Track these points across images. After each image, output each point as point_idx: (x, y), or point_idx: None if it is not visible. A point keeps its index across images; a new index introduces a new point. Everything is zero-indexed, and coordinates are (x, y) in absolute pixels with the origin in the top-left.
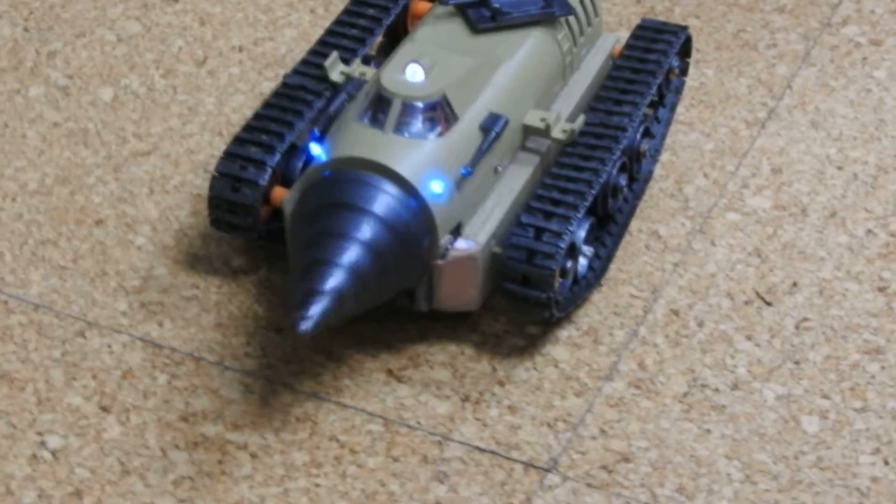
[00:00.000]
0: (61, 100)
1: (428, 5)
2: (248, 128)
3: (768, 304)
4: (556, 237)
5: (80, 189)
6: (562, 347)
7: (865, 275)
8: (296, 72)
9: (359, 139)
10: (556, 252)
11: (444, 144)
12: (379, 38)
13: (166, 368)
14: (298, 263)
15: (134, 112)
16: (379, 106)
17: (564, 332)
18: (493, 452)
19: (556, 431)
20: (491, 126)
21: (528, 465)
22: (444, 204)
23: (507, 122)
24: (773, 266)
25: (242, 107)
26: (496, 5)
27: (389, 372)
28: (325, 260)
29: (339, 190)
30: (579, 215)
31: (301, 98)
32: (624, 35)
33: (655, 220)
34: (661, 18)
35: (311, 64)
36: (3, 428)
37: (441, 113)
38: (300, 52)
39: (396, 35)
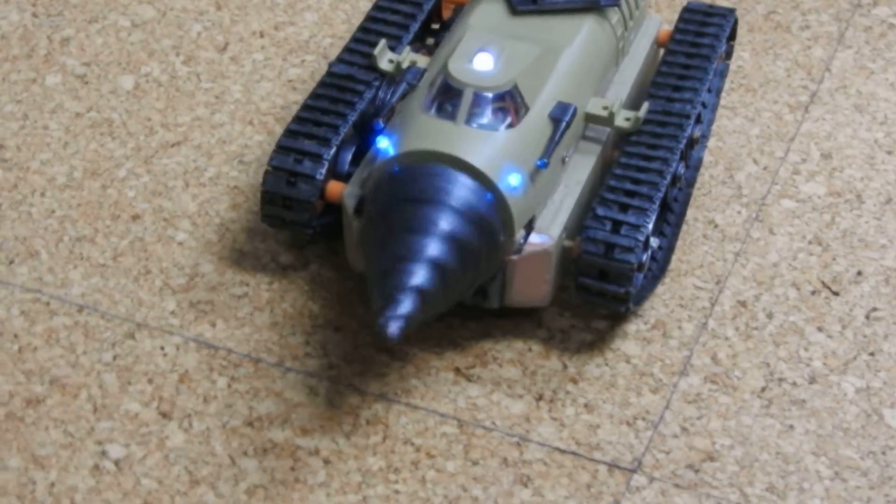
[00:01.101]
0: (80, 89)
1: None
2: (299, 119)
3: (835, 293)
4: (635, 230)
5: (111, 182)
6: (632, 342)
7: None
8: (341, 60)
9: (429, 131)
10: (636, 245)
11: (517, 135)
12: (420, 23)
13: (225, 371)
14: (377, 262)
15: (158, 101)
16: (447, 96)
17: (633, 327)
18: (574, 454)
19: (636, 430)
20: (561, 116)
21: (613, 466)
22: (520, 197)
23: (575, 111)
24: (835, 254)
25: (271, 94)
26: None
27: (457, 371)
28: (406, 257)
29: (414, 185)
30: (655, 206)
31: (350, 88)
32: (662, 16)
33: (710, 208)
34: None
35: (356, 52)
36: (60, 437)
37: (512, 103)
38: (323, 36)
39: (428, 22)
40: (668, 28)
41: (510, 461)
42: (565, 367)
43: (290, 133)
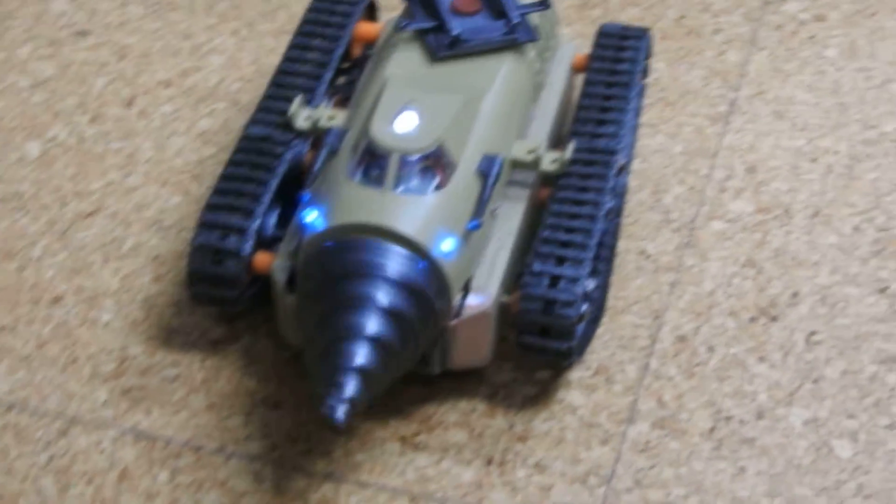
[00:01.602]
0: None
1: (370, 27)
2: (218, 191)
3: (774, 319)
4: (573, 283)
5: (27, 263)
6: (576, 391)
7: (863, 276)
8: (256, 121)
9: (357, 201)
10: (575, 299)
11: (446, 196)
12: (333, 72)
13: (165, 463)
14: (316, 343)
15: (67, 167)
16: (372, 161)
17: (575, 374)
18: None
19: (589, 488)
20: (488, 170)
21: None
22: (455, 261)
23: (502, 164)
24: (769, 276)
25: (183, 150)
26: (455, 32)
27: (403, 440)
28: (346, 337)
29: (347, 260)
30: (590, 255)
31: (269, 151)
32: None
33: (640, 237)
34: (600, 9)
35: (271, 111)
36: None
37: (439, 162)
38: (231, 81)
39: (339, 68)
40: (581, 52)
41: None
42: (512, 425)
43: (211, 207)
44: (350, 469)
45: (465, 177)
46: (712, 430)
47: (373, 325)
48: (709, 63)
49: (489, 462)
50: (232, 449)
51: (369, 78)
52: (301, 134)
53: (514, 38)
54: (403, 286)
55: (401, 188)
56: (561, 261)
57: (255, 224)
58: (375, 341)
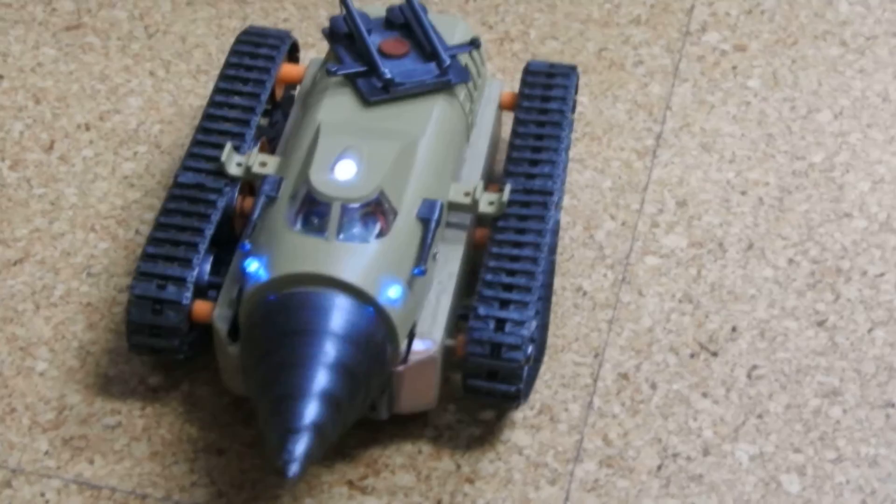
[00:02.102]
0: None
1: (293, 68)
2: (154, 241)
3: (714, 354)
4: (519, 326)
5: None
6: (521, 431)
7: (800, 310)
8: (187, 168)
9: (299, 250)
10: (522, 342)
11: (389, 243)
12: (259, 116)
13: None
14: (264, 399)
15: None
16: (312, 209)
17: (519, 415)
18: None
19: None
20: (429, 215)
21: None
22: (401, 308)
23: (442, 208)
24: (707, 311)
25: (108, 195)
26: (388, 76)
27: (350, 483)
28: (295, 394)
29: (293, 314)
30: (535, 297)
31: (202, 199)
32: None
33: (576, 274)
34: (519, 43)
35: (200, 157)
36: None
37: (380, 209)
38: (151, 123)
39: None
40: (508, 90)
41: None
42: (458, 466)
43: (148, 257)
44: None
45: (406, 223)
46: (660, 467)
47: (321, 380)
48: (632, 96)
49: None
50: (177, 497)
51: (299, 123)
52: (233, 180)
53: (448, 80)
54: (351, 338)
55: (342, 236)
56: (505, 304)
57: (193, 273)
58: (325, 397)
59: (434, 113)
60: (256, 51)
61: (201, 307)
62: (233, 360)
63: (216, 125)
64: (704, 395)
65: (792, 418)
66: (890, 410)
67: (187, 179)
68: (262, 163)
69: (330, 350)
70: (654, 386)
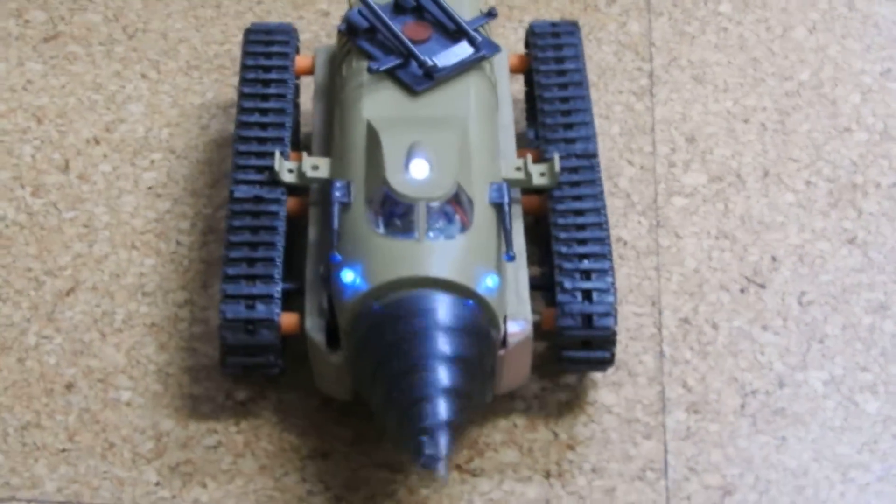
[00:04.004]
0: None
1: (304, 60)
2: (231, 261)
3: (762, 286)
4: (605, 294)
5: (25, 354)
6: (604, 390)
7: (829, 230)
8: (239, 181)
9: (392, 255)
10: (611, 309)
11: (474, 235)
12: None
13: None
14: (392, 405)
15: (28, 245)
16: (394, 211)
17: (598, 374)
18: None
19: (649, 483)
20: (501, 199)
21: None
22: (497, 294)
23: (508, 188)
24: (744, 244)
25: (138, 209)
26: (430, 62)
27: (459, 468)
28: (425, 395)
29: (402, 320)
30: (611, 262)
31: (264, 211)
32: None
33: (612, 224)
34: None
35: (249, 168)
36: None
37: (459, 204)
38: (159, 128)
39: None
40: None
41: None
42: (556, 434)
43: (230, 278)
44: None
45: (482, 211)
46: (743, 406)
47: (445, 378)
48: (615, 37)
49: (548, 475)
50: None
51: (339, 121)
52: (288, 187)
53: (483, 56)
54: (462, 332)
55: (431, 234)
56: (586, 274)
57: (278, 288)
58: (452, 392)
59: (472, 92)
60: (269, 49)
61: (288, 320)
62: (334, 368)
63: (253, 132)
64: (764, 328)
65: (851, 338)
66: None
67: (243, 193)
68: (314, 166)
69: (446, 347)
70: (715, 326)
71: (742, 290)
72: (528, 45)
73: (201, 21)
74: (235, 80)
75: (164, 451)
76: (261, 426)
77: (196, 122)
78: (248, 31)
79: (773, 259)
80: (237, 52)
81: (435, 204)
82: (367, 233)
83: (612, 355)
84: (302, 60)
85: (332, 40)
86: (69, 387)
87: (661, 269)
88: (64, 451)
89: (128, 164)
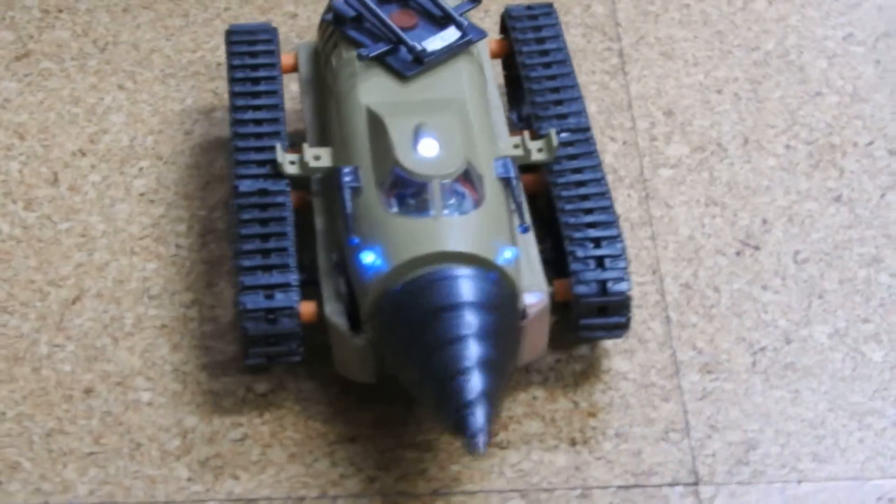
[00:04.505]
0: None
1: (286, 58)
2: (244, 253)
3: (756, 248)
4: (618, 259)
5: (40, 363)
6: (617, 358)
7: (814, 190)
8: (241, 177)
9: (413, 234)
10: (625, 275)
11: (487, 209)
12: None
13: None
14: (427, 382)
15: (28, 259)
16: (406, 191)
17: (609, 342)
18: (637, 486)
19: (673, 443)
20: (507, 173)
21: (676, 485)
22: (515, 266)
23: (514, 163)
24: (733, 209)
25: (133, 215)
26: (418, 48)
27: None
28: (460, 370)
29: (429, 296)
30: (619, 229)
31: (271, 203)
32: None
33: None
34: None
35: (250, 163)
36: None
37: (469, 180)
38: (143, 136)
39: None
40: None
41: None
42: (576, 403)
43: (246, 270)
44: (452, 482)
45: (491, 186)
46: (754, 364)
47: (479, 351)
48: (581, 20)
49: (573, 443)
50: (333, 492)
51: (341, 110)
52: (291, 178)
53: (470, 40)
54: (488, 305)
55: (447, 212)
56: (597, 241)
57: (295, 276)
58: (486, 365)
59: (464, 75)
60: (254, 49)
61: (306, 308)
62: (357, 352)
63: (249, 129)
64: (764, 287)
65: (849, 292)
66: None
67: (248, 187)
68: (315, 156)
69: (475, 321)
70: (716, 289)
71: (738, 253)
72: (504, 29)
73: (171, 30)
74: (213, 86)
75: (192, 448)
76: (285, 416)
77: (179, 128)
78: (230, 33)
79: (764, 221)
80: (211, 58)
81: (447, 181)
82: (381, 214)
83: (628, 320)
84: (286, 58)
85: (301, 41)
86: (88, 392)
87: (656, 238)
88: (91, 454)
89: (117, 173)
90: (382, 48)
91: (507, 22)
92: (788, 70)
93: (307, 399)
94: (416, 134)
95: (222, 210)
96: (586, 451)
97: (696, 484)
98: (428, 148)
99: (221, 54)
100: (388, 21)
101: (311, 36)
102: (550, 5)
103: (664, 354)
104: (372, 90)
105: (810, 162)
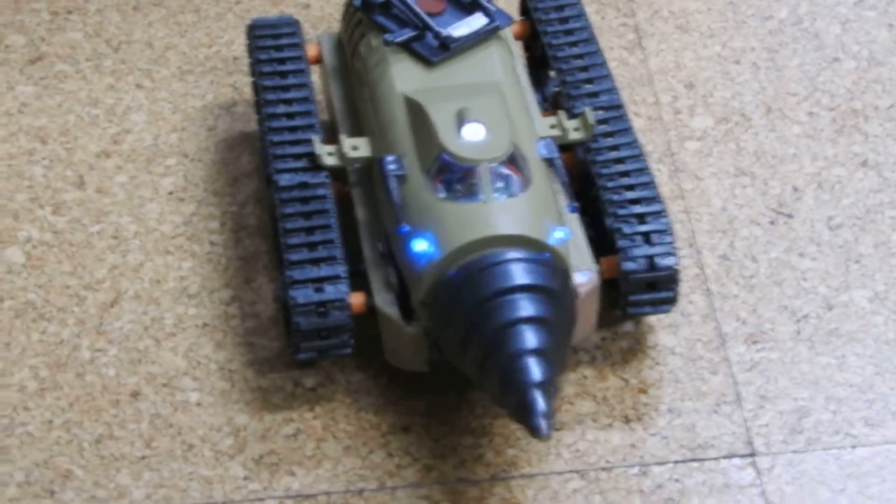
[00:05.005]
0: None
1: (310, 48)
2: (291, 247)
3: (789, 216)
4: (664, 234)
5: (84, 369)
6: (662, 333)
7: (841, 156)
8: (280, 170)
9: (465, 219)
10: (672, 249)
11: (535, 191)
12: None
13: None
14: (489, 368)
15: (61, 264)
16: (454, 177)
17: (652, 318)
18: (694, 460)
19: (726, 416)
20: (551, 154)
21: (733, 457)
22: (566, 245)
23: (555, 143)
24: (763, 178)
25: (164, 214)
26: (444, 34)
27: None
28: (522, 353)
29: (486, 280)
30: (663, 203)
31: (313, 196)
32: None
33: None
34: None
35: (287, 157)
36: None
37: (515, 164)
38: (166, 134)
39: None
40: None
41: (647, 491)
42: (626, 381)
43: (293, 264)
44: (509, 466)
45: (537, 168)
46: (798, 332)
47: (539, 334)
48: None
49: (627, 420)
50: (391, 483)
51: (376, 99)
52: (332, 171)
53: (498, 26)
54: (545, 287)
55: (496, 195)
56: (641, 217)
57: (344, 268)
58: (547, 348)
59: (495, 58)
60: (279, 42)
61: (356, 299)
62: (410, 341)
63: (283, 123)
64: (801, 255)
65: (885, 255)
66: None
67: (288, 181)
68: (353, 146)
69: (532, 304)
70: (754, 259)
71: (772, 222)
72: (525, 10)
73: (184, 27)
74: (232, 80)
75: (245, 446)
76: (336, 409)
77: (202, 125)
78: (252, 27)
79: (795, 189)
80: (227, 52)
81: (495, 164)
82: (430, 201)
83: (676, 294)
84: (309, 50)
85: (316, 31)
86: (135, 395)
87: (689, 211)
88: (143, 458)
89: (144, 173)
90: (409, 34)
91: (529, 3)
92: (804, 37)
93: (357, 391)
94: (460, 119)
95: (253, 205)
96: (640, 427)
97: (752, 455)
98: (474, 132)
99: (237, 48)
100: (415, 7)
101: (325, 25)
102: None
103: (708, 327)
104: (406, 77)
105: (834, 128)
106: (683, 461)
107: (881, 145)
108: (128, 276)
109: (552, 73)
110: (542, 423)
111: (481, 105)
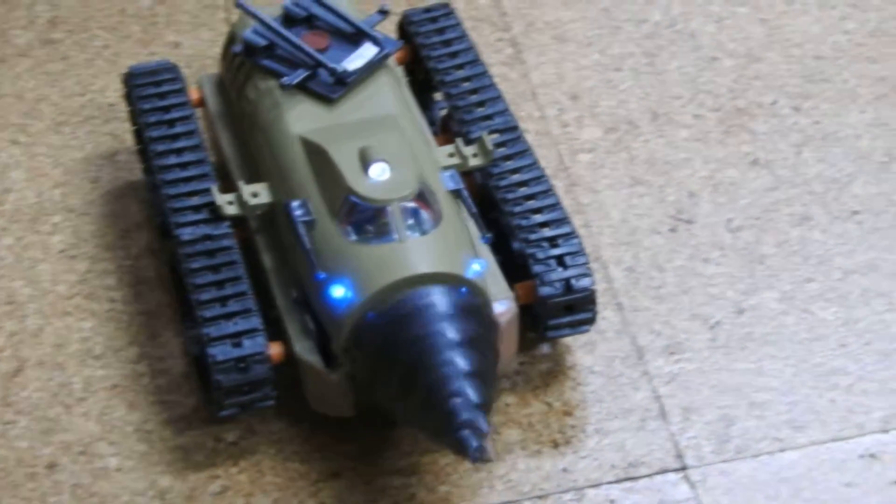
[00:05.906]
0: None
1: (193, 91)
2: (202, 304)
3: (689, 222)
4: (577, 256)
5: None
6: (580, 353)
7: (732, 157)
8: (181, 224)
9: (381, 261)
10: (587, 270)
11: (447, 226)
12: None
13: None
14: (418, 406)
15: None
16: (364, 218)
17: (568, 339)
18: (627, 479)
19: (653, 431)
20: (456, 186)
21: (666, 472)
22: (484, 277)
23: (460, 173)
24: (659, 186)
25: (57, 274)
26: (339, 69)
27: None
28: (449, 390)
29: (407, 321)
30: (573, 225)
31: (218, 248)
32: None
33: None
34: None
35: (186, 210)
36: None
37: (424, 199)
38: (49, 190)
39: None
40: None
41: None
42: (549, 405)
43: (208, 321)
44: (443, 503)
45: (446, 201)
46: (713, 339)
47: (465, 366)
48: (466, 13)
49: (556, 445)
50: None
51: (272, 143)
52: (234, 220)
53: (388, 53)
54: (466, 320)
55: (409, 233)
56: (553, 241)
57: (259, 320)
58: (474, 379)
59: (386, 89)
60: (161, 90)
61: (275, 349)
62: (336, 387)
63: (176, 174)
64: (705, 261)
65: (787, 253)
66: (857, 218)
67: (191, 235)
68: (253, 193)
69: (456, 336)
70: (660, 269)
71: (672, 230)
72: (405, 35)
73: (53, 76)
74: (109, 128)
75: None
76: (261, 461)
77: (85, 177)
78: (130, 75)
79: (691, 194)
80: (101, 99)
81: (406, 203)
82: (343, 245)
83: (595, 314)
84: (191, 93)
85: (191, 69)
86: (52, 466)
87: (590, 225)
88: None
89: (30, 233)
90: (303, 74)
91: (408, 28)
92: (680, 39)
93: (280, 440)
94: (365, 159)
95: (149, 257)
96: (570, 451)
97: (684, 469)
98: (380, 171)
99: (111, 95)
100: (304, 45)
101: (200, 64)
102: (447, 5)
103: (624, 342)
104: (301, 118)
105: (721, 129)
106: (617, 481)
107: (769, 143)
108: (28, 342)
109: (437, 96)
110: (483, 453)
111: (382, 141)
